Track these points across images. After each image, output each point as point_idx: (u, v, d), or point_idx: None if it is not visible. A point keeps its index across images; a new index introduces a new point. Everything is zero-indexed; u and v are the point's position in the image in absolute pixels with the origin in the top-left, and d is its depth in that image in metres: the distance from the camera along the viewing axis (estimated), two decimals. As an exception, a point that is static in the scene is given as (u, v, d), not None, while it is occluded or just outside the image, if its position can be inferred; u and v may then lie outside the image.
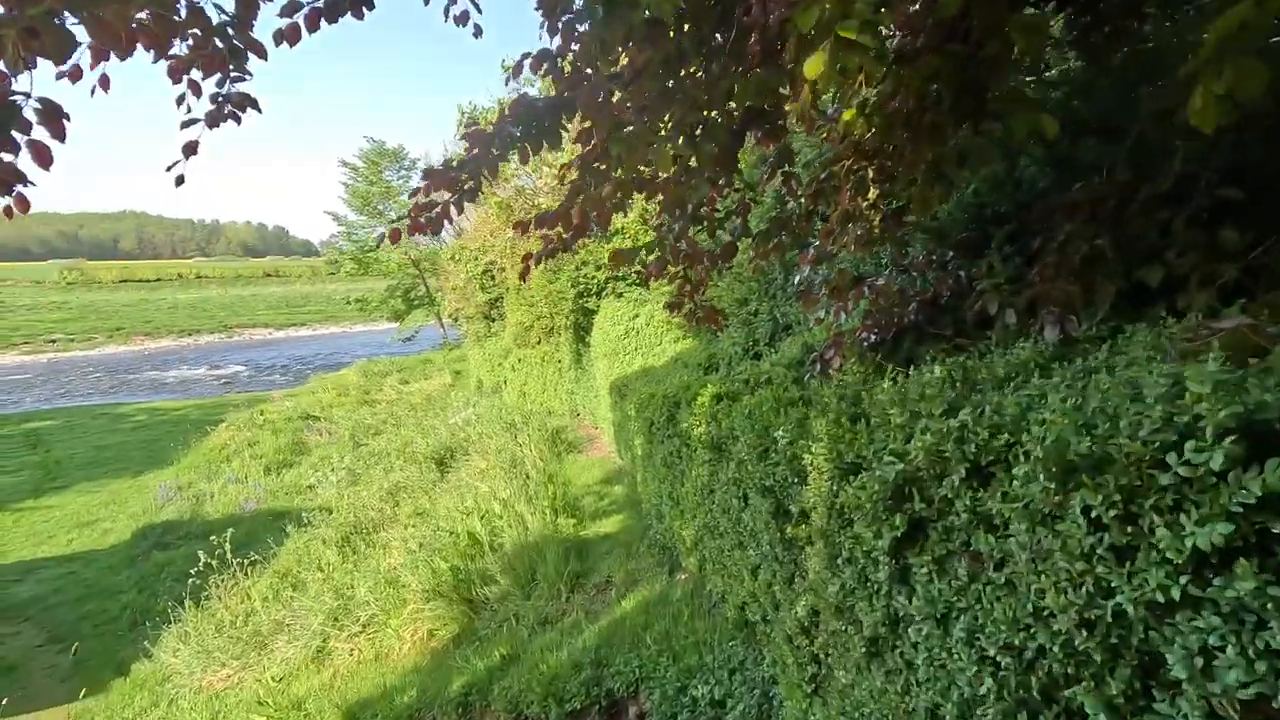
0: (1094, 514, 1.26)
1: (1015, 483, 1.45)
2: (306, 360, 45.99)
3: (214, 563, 9.03)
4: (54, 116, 2.10)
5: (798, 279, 4.61)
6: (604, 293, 11.98)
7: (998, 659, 1.53)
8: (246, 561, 9.76)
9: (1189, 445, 1.12)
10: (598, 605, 5.22)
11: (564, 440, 12.49)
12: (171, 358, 52.39)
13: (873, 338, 4.51)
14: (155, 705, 7.60)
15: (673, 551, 5.64)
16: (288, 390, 30.00)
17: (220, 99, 2.85)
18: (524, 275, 3.88)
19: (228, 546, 9.15)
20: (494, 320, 23.40)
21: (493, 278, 22.60)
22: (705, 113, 3.22)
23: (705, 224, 4.25)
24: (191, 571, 9.00)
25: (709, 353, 7.95)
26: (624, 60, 3.30)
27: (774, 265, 7.58)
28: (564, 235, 3.79)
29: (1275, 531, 1.05)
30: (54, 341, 56.56)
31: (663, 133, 3.15)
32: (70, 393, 36.96)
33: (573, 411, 14.50)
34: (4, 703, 8.06)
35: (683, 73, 3.18)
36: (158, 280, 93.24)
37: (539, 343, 15.73)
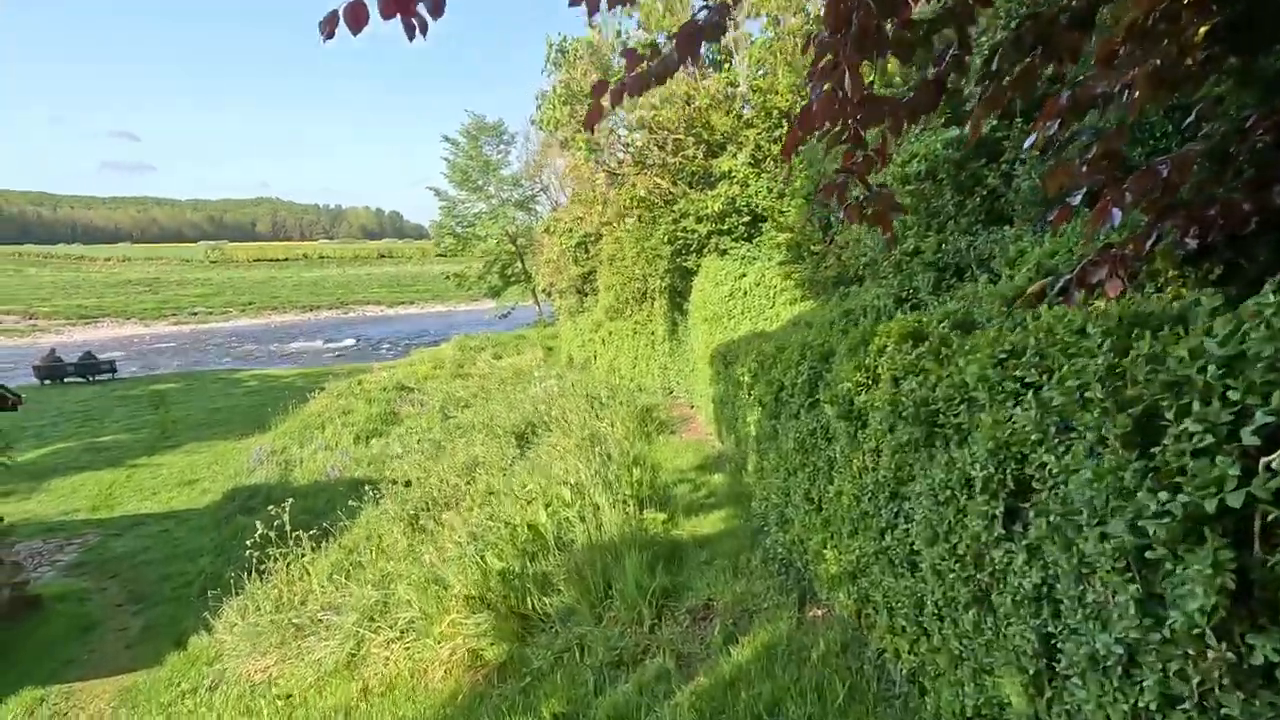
0: None
1: None
2: (411, 335, 47.46)
3: (272, 535, 8.31)
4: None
5: (1027, 144, 2.77)
6: (705, 249, 10.29)
7: None
8: (316, 533, 9.07)
9: None
10: (694, 646, 3.66)
11: (654, 419, 11.00)
12: (293, 331, 55.96)
13: (1193, 243, 2.68)
14: (195, 690, 6.86)
15: (800, 573, 3.96)
16: (387, 362, 30.50)
17: None
18: (591, 121, 2.32)
19: (286, 518, 8.37)
20: (586, 295, 22.52)
21: (586, 250, 21.66)
22: None
23: (891, 43, 2.51)
24: (248, 544, 8.29)
25: (844, 309, 6.11)
26: None
27: (942, 189, 5.65)
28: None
29: None
30: (195, 314, 61.90)
31: None
32: (204, 360, 39.75)
33: (666, 388, 12.99)
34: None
35: None
36: (286, 260, 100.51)
37: (631, 312, 14.31)
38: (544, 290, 29.67)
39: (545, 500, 5.92)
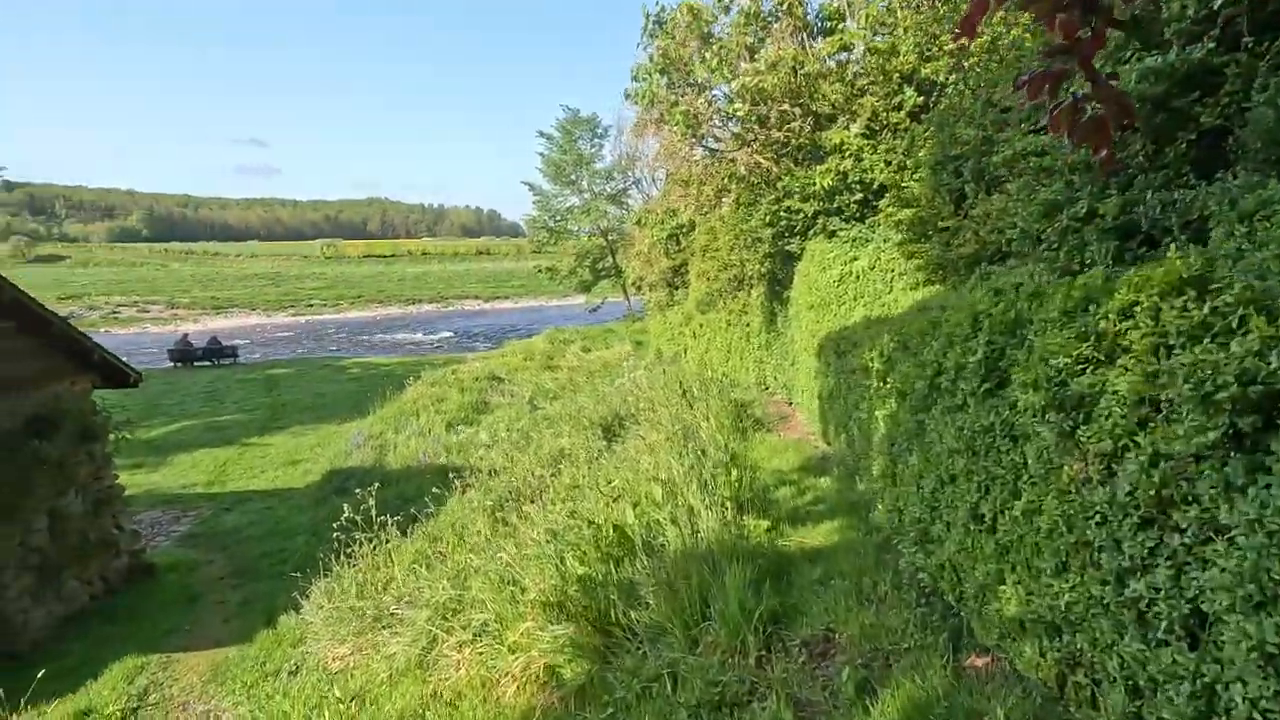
0: None
1: None
2: (505, 329, 48.70)
3: (359, 519, 8.25)
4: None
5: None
6: (811, 231, 9.37)
7: None
8: (403, 519, 8.99)
9: None
10: (814, 691, 2.94)
11: (749, 415, 10.21)
12: (396, 323, 58.85)
13: None
14: (277, 672, 6.80)
15: (950, 607, 3.14)
16: (481, 353, 31.18)
17: None
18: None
19: (372, 503, 8.29)
20: (676, 289, 22.00)
21: (677, 243, 21.12)
22: None
23: None
24: (334, 526, 8.26)
25: (991, 288, 5.11)
26: None
27: (1130, 136, 4.59)
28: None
29: None
30: (311, 306, 66.41)
31: None
32: (316, 348, 42.34)
33: (761, 383, 12.14)
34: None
35: None
36: (393, 256, 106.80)
37: (724, 303, 13.54)
38: (634, 284, 29.37)
39: (633, 499, 5.33)
